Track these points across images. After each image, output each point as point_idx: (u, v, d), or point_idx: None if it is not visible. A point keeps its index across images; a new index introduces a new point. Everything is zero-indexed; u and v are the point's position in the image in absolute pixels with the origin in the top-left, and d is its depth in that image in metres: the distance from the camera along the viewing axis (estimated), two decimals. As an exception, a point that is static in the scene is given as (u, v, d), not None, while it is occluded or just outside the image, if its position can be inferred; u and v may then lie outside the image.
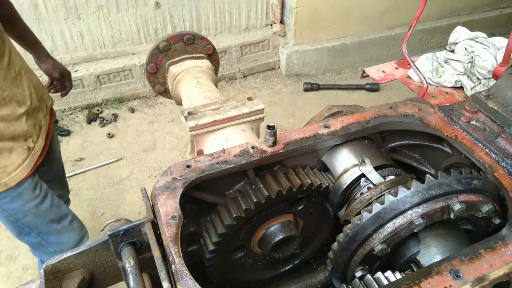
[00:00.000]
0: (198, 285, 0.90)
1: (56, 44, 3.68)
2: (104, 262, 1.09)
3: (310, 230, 1.46)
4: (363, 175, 1.25)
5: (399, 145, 1.45)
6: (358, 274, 1.08)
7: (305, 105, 4.16)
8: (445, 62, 2.34)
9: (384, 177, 1.23)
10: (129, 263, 0.99)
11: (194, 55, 2.18)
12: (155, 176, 3.31)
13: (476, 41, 2.26)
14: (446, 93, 2.29)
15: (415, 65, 1.86)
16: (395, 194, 1.02)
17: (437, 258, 1.04)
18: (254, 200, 1.17)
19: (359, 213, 1.13)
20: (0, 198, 1.62)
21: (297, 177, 1.25)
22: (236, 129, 1.59)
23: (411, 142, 1.43)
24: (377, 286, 0.97)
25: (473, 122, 1.29)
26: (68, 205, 2.37)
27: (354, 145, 1.32)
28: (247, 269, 1.44)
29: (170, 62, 2.14)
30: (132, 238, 1.03)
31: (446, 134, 1.28)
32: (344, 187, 1.27)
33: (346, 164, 1.29)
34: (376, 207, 1.02)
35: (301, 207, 1.34)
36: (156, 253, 0.95)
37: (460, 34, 2.34)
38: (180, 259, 0.95)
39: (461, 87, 2.33)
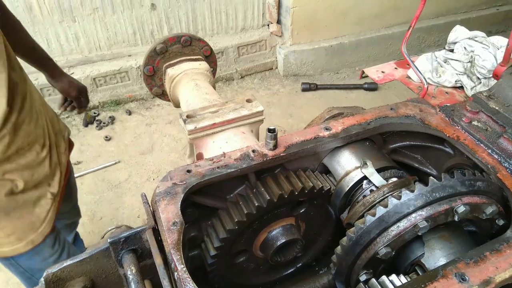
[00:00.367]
0: (201, 293, 0.88)
1: (52, 47, 3.65)
2: (105, 269, 1.07)
3: (312, 233, 1.44)
4: (365, 177, 1.24)
5: (400, 146, 1.44)
6: (363, 278, 1.07)
7: (303, 105, 4.15)
8: (445, 62, 2.33)
9: (386, 179, 1.22)
10: (130, 270, 0.98)
11: (192, 57, 2.16)
12: (153, 179, 3.29)
13: (475, 40, 2.26)
14: (446, 93, 2.28)
15: (415, 66, 1.85)
16: (399, 197, 1.01)
17: (442, 260, 1.03)
18: (256, 204, 1.16)
19: (362, 216, 1.13)
20: (19, 256, 1.48)
21: (299, 180, 1.24)
22: (235, 131, 1.57)
23: (412, 143, 1.42)
24: (382, 291, 0.96)
25: (475, 123, 1.28)
26: (76, 228, 2.31)
27: (355, 147, 1.32)
28: (249, 273, 1.43)
29: (167, 64, 2.12)
30: (133, 245, 1.02)
31: (447, 135, 1.27)
32: (346, 190, 1.26)
33: (348, 166, 1.28)
34: (380, 211, 1.01)
35: (302, 210, 1.33)
36: (158, 260, 0.94)
37: (459, 33, 2.34)
38: (182, 266, 0.93)
39: (461, 87, 2.32)
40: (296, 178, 1.24)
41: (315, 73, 4.65)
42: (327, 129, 1.28)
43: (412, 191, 1.00)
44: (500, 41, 2.23)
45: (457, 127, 1.29)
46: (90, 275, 1.05)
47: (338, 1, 4.22)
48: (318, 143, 1.25)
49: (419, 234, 1.01)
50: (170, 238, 0.98)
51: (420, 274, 1.06)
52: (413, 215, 1.00)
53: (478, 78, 2.19)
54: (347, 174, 1.27)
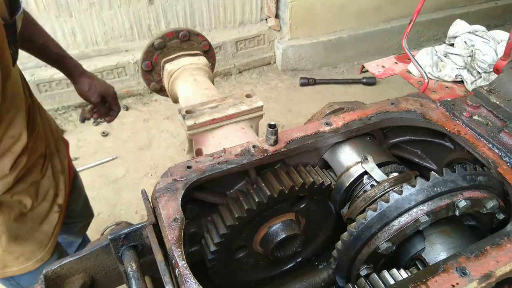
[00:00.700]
0: (202, 289, 0.88)
1: (48, 42, 3.61)
2: (105, 266, 1.07)
3: (312, 228, 1.44)
4: (365, 172, 1.23)
5: (401, 141, 1.44)
6: (363, 272, 1.07)
7: (302, 100, 4.14)
8: (445, 56, 2.32)
9: (387, 174, 1.22)
10: (131, 267, 0.97)
11: (190, 52, 2.14)
12: (151, 175, 3.28)
13: (476, 35, 2.25)
14: (447, 87, 2.27)
15: (416, 60, 1.84)
16: (400, 192, 1.01)
17: (442, 255, 1.03)
18: (256, 200, 1.15)
19: (363, 211, 1.12)
20: (22, 275, 1.40)
21: (299, 176, 1.23)
22: (235, 127, 1.57)
23: (412, 137, 1.42)
24: (383, 286, 0.96)
25: (476, 117, 1.28)
26: (87, 229, 2.11)
27: (356, 142, 1.31)
28: (249, 268, 1.43)
29: (165, 59, 2.10)
30: (134, 241, 1.02)
31: (448, 129, 1.27)
32: (347, 185, 1.26)
33: (348, 161, 1.28)
34: (381, 205, 1.01)
35: (303, 205, 1.33)
36: (158, 256, 0.93)
37: (459, 27, 2.33)
38: (183, 262, 0.93)
39: (462, 81, 2.32)
40: (297, 174, 1.24)
41: (313, 68, 4.63)
42: (327, 124, 1.28)
43: (414, 186, 1.00)
44: (501, 35, 2.23)
45: (457, 121, 1.29)
46: (90, 272, 1.05)
47: (336, -5, 4.20)
48: (319, 138, 1.24)
49: (420, 228, 1.01)
50: (171, 234, 0.97)
51: (421, 268, 1.06)
52: (414, 210, 0.99)
53: (479, 73, 2.18)
54: (347, 169, 1.27)
